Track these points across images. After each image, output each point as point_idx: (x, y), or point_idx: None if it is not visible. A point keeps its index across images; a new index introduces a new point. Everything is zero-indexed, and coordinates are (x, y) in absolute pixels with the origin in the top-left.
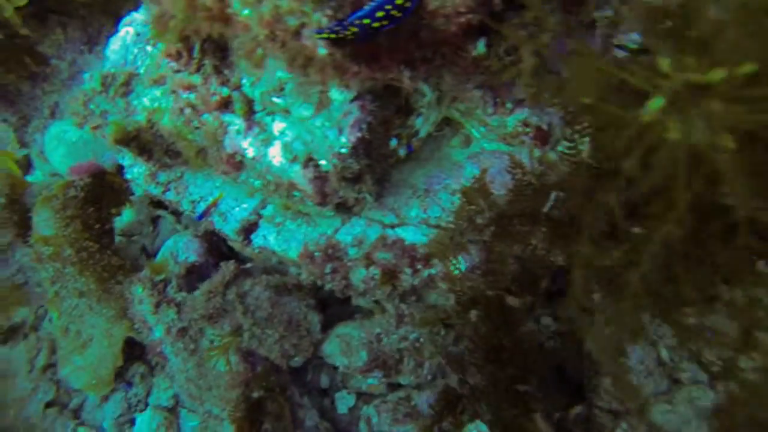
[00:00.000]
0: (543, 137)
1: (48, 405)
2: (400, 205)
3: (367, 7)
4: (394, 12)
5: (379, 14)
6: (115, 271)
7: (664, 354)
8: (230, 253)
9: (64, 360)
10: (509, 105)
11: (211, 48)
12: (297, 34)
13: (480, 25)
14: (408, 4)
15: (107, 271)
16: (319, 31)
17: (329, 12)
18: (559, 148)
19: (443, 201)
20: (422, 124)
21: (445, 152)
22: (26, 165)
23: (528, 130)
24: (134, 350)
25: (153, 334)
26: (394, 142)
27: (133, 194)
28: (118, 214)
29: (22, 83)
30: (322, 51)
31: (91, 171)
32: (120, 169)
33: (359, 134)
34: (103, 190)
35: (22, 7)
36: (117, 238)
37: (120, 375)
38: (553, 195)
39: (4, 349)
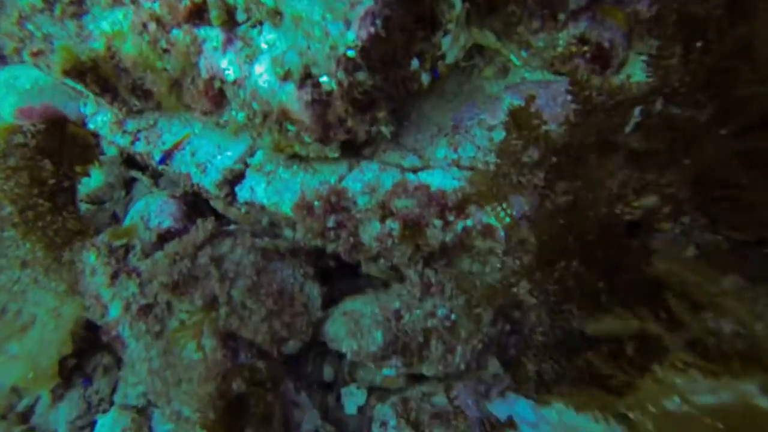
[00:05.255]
0: (604, 58)
1: None
2: (423, 145)
3: None
4: None
5: None
6: (71, 236)
7: None
8: (214, 216)
9: None
10: (562, 16)
11: None
12: None
13: None
14: None
15: (60, 236)
16: None
17: None
18: (636, 78)
19: (478, 138)
20: (450, 46)
21: (477, 84)
22: None
23: (585, 48)
24: (97, 336)
25: (108, 312)
26: (416, 63)
27: (102, 153)
28: (85, 173)
29: None
30: None
31: (46, 116)
32: (83, 120)
33: (372, 29)
34: (63, 142)
35: None
36: (84, 207)
37: (79, 367)
38: (637, 110)
39: None
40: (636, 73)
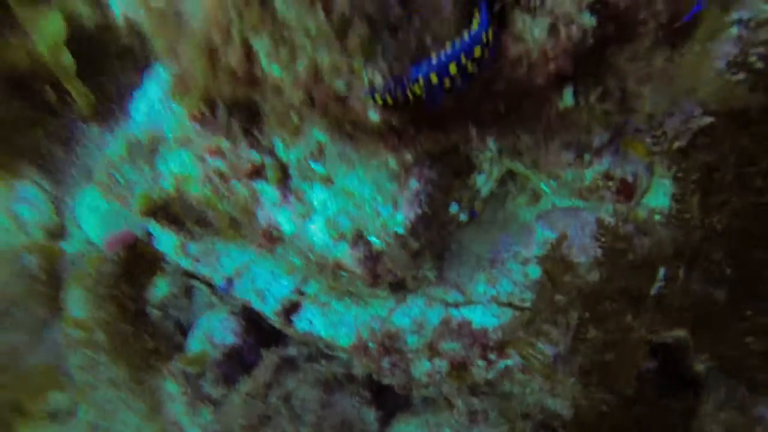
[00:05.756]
0: (628, 191)
1: None
2: (464, 280)
3: (434, 59)
4: (469, 66)
5: (452, 69)
6: (149, 356)
7: None
8: (271, 329)
9: None
10: (587, 157)
11: (239, 108)
12: (341, 97)
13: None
14: (486, 55)
15: (141, 358)
16: (372, 93)
17: (383, 65)
18: (658, 203)
19: (514, 273)
20: (485, 182)
21: (510, 212)
22: (61, 233)
23: (610, 183)
24: None
25: None
26: (455, 208)
27: (167, 263)
28: (153, 285)
29: (54, 147)
30: (374, 116)
31: (127, 242)
32: (149, 236)
33: (419, 210)
34: (137, 262)
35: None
36: (151, 312)
37: None
38: (662, 272)
39: None
40: (660, 198)
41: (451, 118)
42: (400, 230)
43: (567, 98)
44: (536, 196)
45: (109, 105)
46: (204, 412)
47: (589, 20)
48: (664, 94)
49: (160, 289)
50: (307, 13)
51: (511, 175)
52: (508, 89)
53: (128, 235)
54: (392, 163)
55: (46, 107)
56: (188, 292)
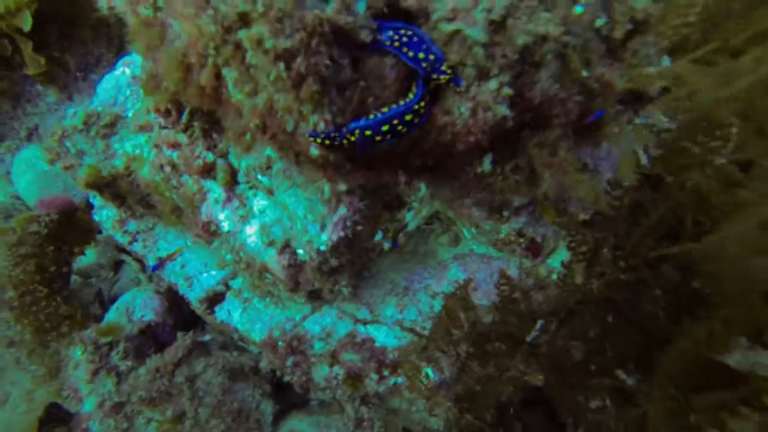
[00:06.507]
0: (535, 249)
1: None
2: (376, 300)
3: (372, 118)
4: (400, 127)
5: (384, 128)
6: (60, 321)
7: None
8: (191, 314)
9: None
10: (506, 213)
11: (202, 112)
12: (289, 132)
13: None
14: (416, 120)
15: (50, 321)
16: (314, 135)
17: (328, 116)
18: (558, 265)
19: (422, 303)
20: (412, 218)
21: (431, 248)
22: None
23: (522, 240)
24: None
25: (83, 406)
26: (380, 236)
27: (99, 233)
28: (82, 254)
29: (2, 101)
30: (314, 151)
31: (62, 207)
32: (89, 206)
33: (342, 234)
34: (69, 228)
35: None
36: (72, 278)
37: None
38: (539, 324)
39: None
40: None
41: (383, 163)
42: (323, 248)
43: (486, 164)
44: (457, 239)
45: (72, 74)
46: (108, 382)
47: (503, 110)
48: (557, 182)
49: (87, 257)
50: (271, 64)
51: (438, 216)
52: (435, 149)
53: (65, 201)
54: (326, 190)
55: (1, 60)
56: (117, 266)
